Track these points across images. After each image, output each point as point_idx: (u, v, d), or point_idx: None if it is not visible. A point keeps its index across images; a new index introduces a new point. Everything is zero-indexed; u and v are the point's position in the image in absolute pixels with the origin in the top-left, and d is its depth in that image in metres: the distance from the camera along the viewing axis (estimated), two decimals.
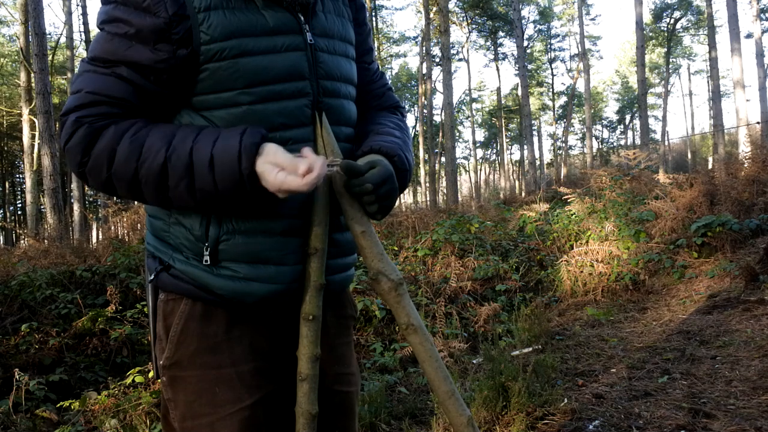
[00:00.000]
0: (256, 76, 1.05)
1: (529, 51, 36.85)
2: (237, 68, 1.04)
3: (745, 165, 8.34)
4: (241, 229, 1.08)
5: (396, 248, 6.62)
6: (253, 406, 1.10)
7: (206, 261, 1.08)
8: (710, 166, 12.39)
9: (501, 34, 33.86)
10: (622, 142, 50.05)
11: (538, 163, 32.94)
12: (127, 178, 1.00)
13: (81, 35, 19.77)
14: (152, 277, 1.14)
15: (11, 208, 31.16)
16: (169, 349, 1.11)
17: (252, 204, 1.05)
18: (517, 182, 41.38)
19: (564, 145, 41.51)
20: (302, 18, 1.12)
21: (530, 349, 3.89)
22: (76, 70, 1.10)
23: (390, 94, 1.40)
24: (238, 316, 1.12)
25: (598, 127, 49.64)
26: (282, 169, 0.97)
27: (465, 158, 50.03)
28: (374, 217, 1.14)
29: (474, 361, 3.79)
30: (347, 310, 1.31)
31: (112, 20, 1.02)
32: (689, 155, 34.96)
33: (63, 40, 21.01)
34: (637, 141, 38.79)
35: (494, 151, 52.18)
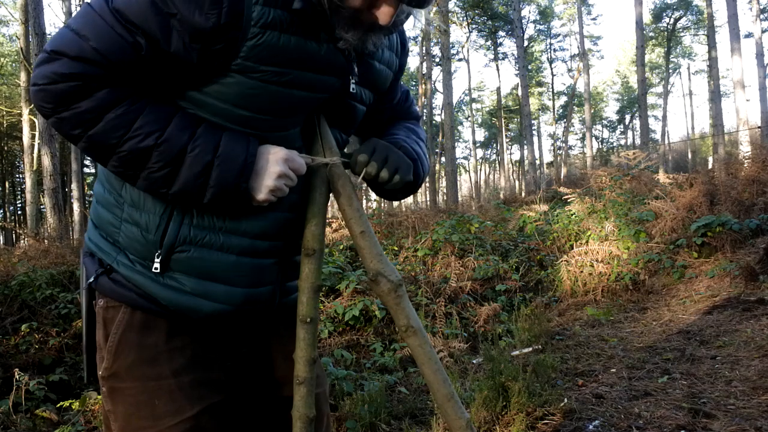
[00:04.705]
0: (275, 107, 1.01)
1: (529, 51, 36.85)
2: (263, 93, 0.99)
3: (745, 165, 8.33)
4: (200, 241, 1.04)
5: (396, 248, 6.62)
6: (195, 418, 1.06)
7: (156, 269, 1.03)
8: (710, 166, 12.39)
9: (501, 34, 33.85)
10: (622, 142, 50.05)
11: (538, 163, 32.95)
12: (103, 146, 0.93)
13: None
14: (91, 279, 1.08)
15: (11, 208, 31.14)
16: (107, 359, 1.07)
17: (219, 210, 1.03)
18: (517, 182, 41.36)
19: (564, 145, 41.50)
20: (354, 66, 1.08)
21: (530, 349, 3.89)
22: (90, 2, 0.97)
23: (412, 110, 1.42)
24: (179, 325, 1.08)
25: (598, 127, 49.64)
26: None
27: (465, 158, 50.08)
28: (395, 195, 1.18)
29: (474, 361, 3.79)
30: None
31: None
32: (689, 155, 34.95)
33: None
34: (637, 141, 38.79)
35: (494, 151, 52.16)
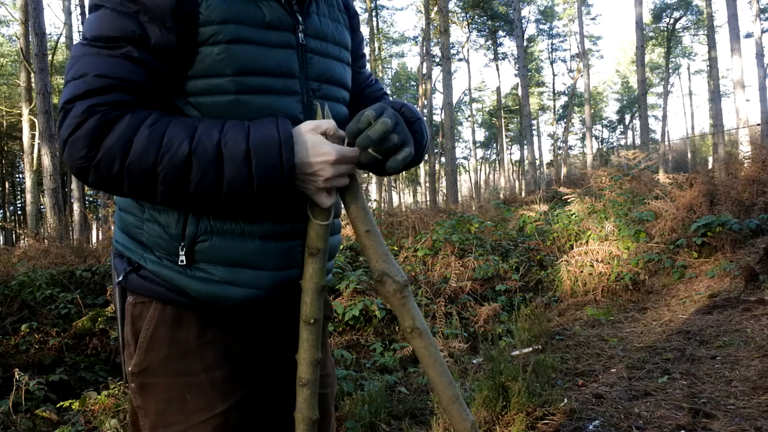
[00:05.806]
0: (246, 65, 1.03)
1: (529, 51, 36.86)
2: (229, 54, 1.01)
3: (745, 165, 8.33)
4: (219, 229, 1.05)
5: (396, 248, 6.62)
6: (226, 413, 1.08)
7: (182, 261, 1.05)
8: (710, 166, 12.39)
9: (501, 34, 33.85)
10: (622, 142, 50.07)
11: (538, 163, 32.96)
12: (143, 172, 0.92)
13: (81, 35, 19.71)
14: (120, 278, 1.09)
15: (11, 208, 31.15)
16: (138, 355, 1.07)
17: (242, 204, 1.02)
18: (517, 182, 41.36)
19: (564, 145, 41.51)
20: (299, 17, 1.11)
21: (530, 349, 3.89)
22: (70, 54, 1.01)
23: (386, 98, 1.39)
24: (210, 319, 1.09)
25: (598, 127, 49.67)
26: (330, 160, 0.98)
27: (465, 158, 50.11)
28: (397, 166, 1.06)
29: (474, 361, 3.79)
30: (324, 311, 1.30)
31: None
32: (689, 155, 34.95)
33: (63, 40, 20.99)
34: (637, 141, 38.78)
35: (494, 151, 52.17)
